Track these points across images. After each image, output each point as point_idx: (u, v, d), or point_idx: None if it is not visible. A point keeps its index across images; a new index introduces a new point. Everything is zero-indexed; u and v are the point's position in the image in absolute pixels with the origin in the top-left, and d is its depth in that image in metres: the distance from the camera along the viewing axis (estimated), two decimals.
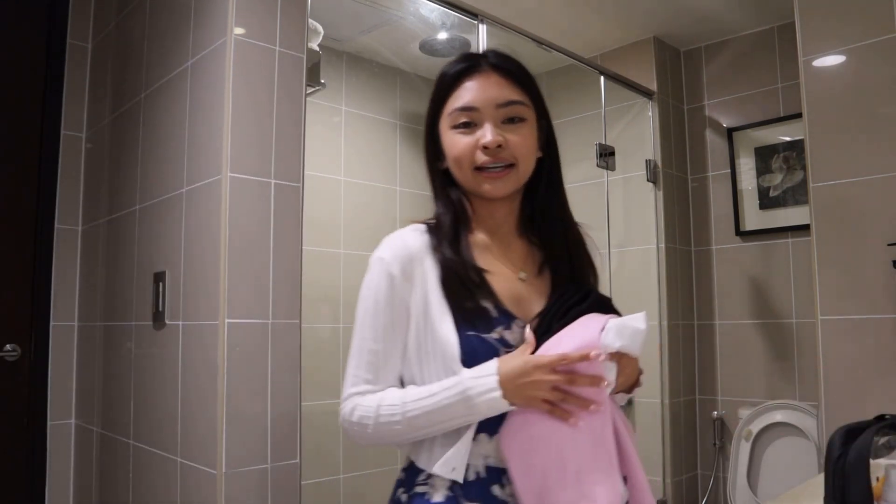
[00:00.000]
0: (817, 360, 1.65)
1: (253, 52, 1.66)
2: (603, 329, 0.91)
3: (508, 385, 0.91)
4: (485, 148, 1.00)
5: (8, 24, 2.25)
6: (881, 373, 1.56)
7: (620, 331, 0.90)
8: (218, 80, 1.65)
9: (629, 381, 1.01)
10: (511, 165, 1.01)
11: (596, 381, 0.91)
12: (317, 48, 2.13)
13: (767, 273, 2.79)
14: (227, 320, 1.55)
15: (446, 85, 1.05)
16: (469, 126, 1.01)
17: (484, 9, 2.20)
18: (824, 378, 1.63)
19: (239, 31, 1.64)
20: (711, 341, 2.94)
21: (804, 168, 2.52)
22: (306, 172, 1.74)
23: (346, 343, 1.05)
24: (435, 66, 2.26)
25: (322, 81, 2.21)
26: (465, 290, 0.99)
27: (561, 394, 0.91)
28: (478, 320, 0.97)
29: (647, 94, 2.93)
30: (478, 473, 0.96)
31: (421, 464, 0.99)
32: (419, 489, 0.98)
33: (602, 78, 2.82)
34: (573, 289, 1.02)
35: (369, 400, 0.99)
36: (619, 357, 0.93)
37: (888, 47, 1.59)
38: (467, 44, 2.71)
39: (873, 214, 1.60)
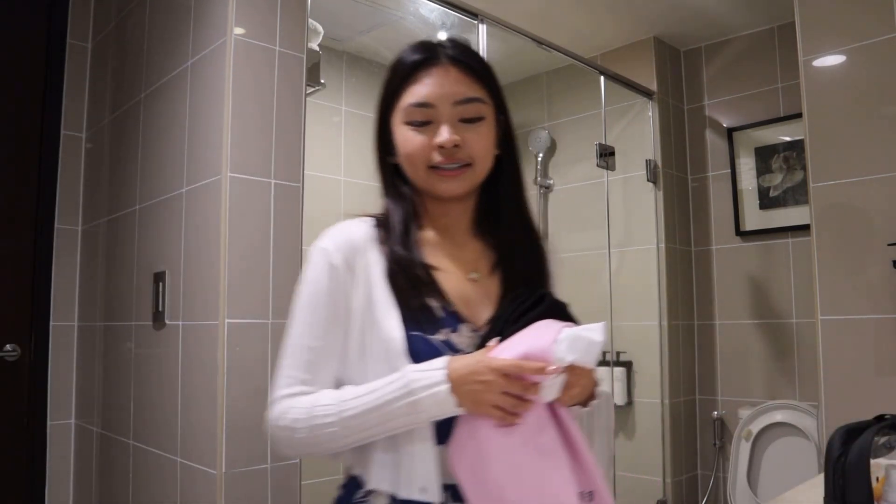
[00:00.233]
0: (817, 360, 1.65)
1: (253, 52, 1.66)
2: (557, 338, 0.84)
3: (457, 382, 0.83)
4: (440, 147, 0.93)
5: (8, 24, 2.25)
6: (881, 373, 1.56)
7: (573, 343, 0.83)
8: (218, 80, 1.65)
9: (584, 394, 0.91)
10: (467, 165, 0.95)
11: (534, 388, 0.83)
12: (317, 48, 2.13)
13: (767, 273, 2.79)
14: (227, 320, 1.55)
15: (401, 76, 0.97)
16: (424, 124, 0.95)
17: (484, 9, 2.20)
18: (824, 378, 1.63)
19: (239, 30, 1.64)
20: (711, 341, 2.94)
21: (804, 168, 2.52)
22: (306, 172, 1.74)
23: None
24: None
25: (322, 81, 2.21)
26: (411, 287, 0.92)
27: (514, 400, 0.83)
28: (423, 320, 0.90)
29: (647, 94, 2.93)
30: None
31: (363, 478, 0.90)
32: None
33: (602, 78, 2.82)
34: (526, 293, 0.95)
35: (302, 401, 0.90)
36: (570, 369, 0.84)
37: (888, 47, 1.59)
38: (467, 44, 2.70)
39: (873, 214, 1.60)
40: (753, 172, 2.83)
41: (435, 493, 0.85)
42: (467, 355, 0.87)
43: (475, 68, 0.98)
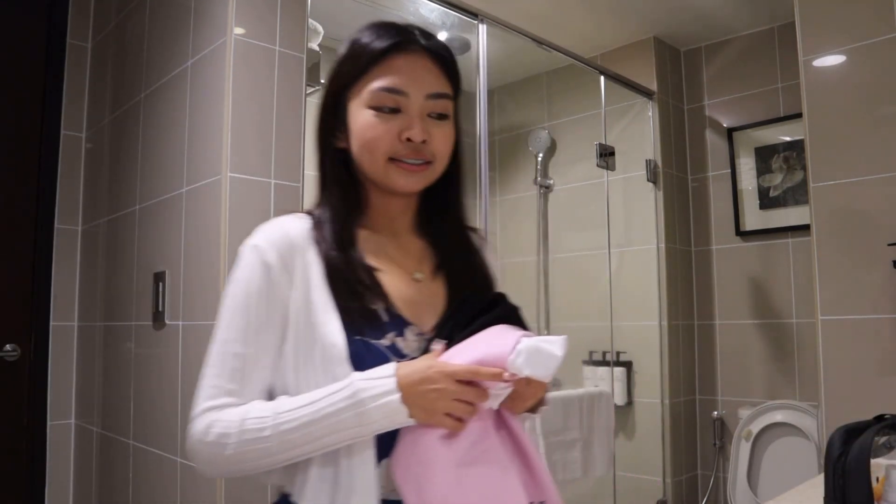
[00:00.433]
0: (817, 360, 1.65)
1: (253, 52, 1.66)
2: (514, 348, 0.78)
3: (408, 391, 0.77)
4: (408, 140, 0.87)
5: (8, 25, 2.25)
6: (881, 373, 1.56)
7: (532, 356, 0.77)
8: (218, 80, 1.65)
9: (535, 401, 0.88)
10: (428, 162, 0.90)
11: (483, 395, 0.80)
12: (317, 48, 2.13)
13: (767, 273, 2.79)
14: None
15: (370, 55, 0.88)
16: (392, 111, 0.87)
17: (484, 9, 2.20)
18: (824, 378, 1.63)
19: (239, 31, 1.64)
20: (711, 341, 2.94)
21: (804, 168, 2.52)
22: (306, 172, 1.74)
23: None
24: None
25: (322, 81, 2.21)
26: (352, 289, 0.85)
27: (466, 407, 0.79)
28: (366, 324, 0.84)
29: (647, 94, 2.93)
30: None
31: (294, 497, 0.83)
32: None
33: (602, 78, 2.82)
34: (476, 295, 0.91)
35: (230, 414, 0.81)
36: (526, 381, 0.80)
37: (888, 47, 1.59)
38: (467, 44, 2.70)
39: (873, 214, 1.60)
40: (753, 172, 2.83)
41: None
42: (415, 361, 0.81)
43: (448, 62, 0.92)
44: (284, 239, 0.87)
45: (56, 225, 2.28)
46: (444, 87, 0.91)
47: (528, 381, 0.80)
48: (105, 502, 2.07)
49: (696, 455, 2.94)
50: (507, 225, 3.40)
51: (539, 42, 2.46)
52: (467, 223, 1.01)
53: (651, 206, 2.91)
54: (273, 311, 0.85)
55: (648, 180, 2.90)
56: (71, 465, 2.26)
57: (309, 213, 0.93)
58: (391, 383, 0.78)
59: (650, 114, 2.94)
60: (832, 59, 1.69)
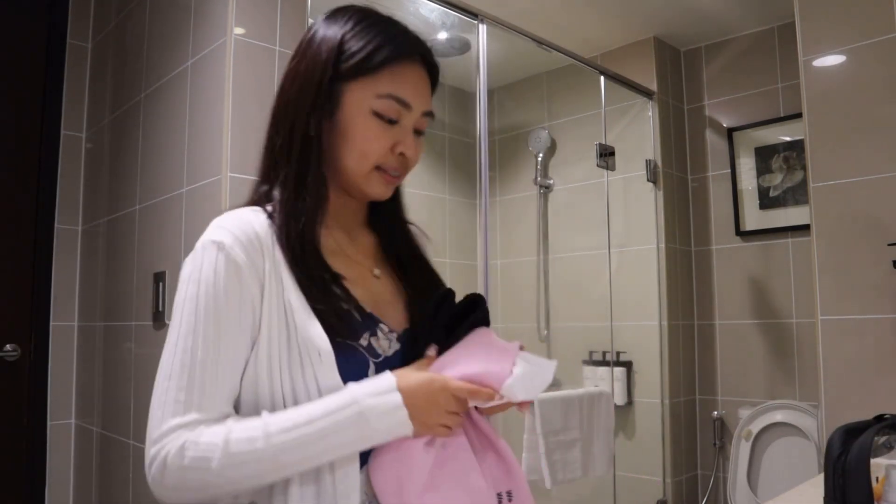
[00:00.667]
0: (817, 360, 1.65)
1: (253, 52, 1.66)
2: (511, 371, 0.80)
3: (413, 407, 0.76)
4: (400, 154, 0.87)
5: (8, 25, 2.25)
6: (881, 373, 1.56)
7: (527, 383, 0.80)
8: (218, 80, 1.65)
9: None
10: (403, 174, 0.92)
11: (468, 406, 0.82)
12: None
13: (767, 273, 2.79)
14: None
15: (385, 55, 0.84)
16: (392, 122, 0.86)
17: (484, 9, 2.20)
18: (824, 378, 1.63)
19: (239, 31, 1.64)
20: (711, 341, 2.94)
21: (804, 168, 2.53)
22: None
23: None
24: None
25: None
26: (325, 290, 0.82)
27: (458, 418, 0.80)
28: (343, 326, 0.81)
29: (647, 94, 2.93)
30: None
31: None
32: None
33: (602, 78, 2.82)
34: (450, 294, 0.89)
35: (207, 435, 0.74)
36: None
37: (888, 47, 1.60)
38: (467, 44, 2.71)
39: (873, 214, 1.60)
40: (753, 172, 2.83)
41: None
42: (412, 372, 0.79)
43: (435, 81, 0.92)
44: (251, 234, 0.81)
45: (56, 225, 2.28)
46: (431, 104, 0.91)
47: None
48: (105, 502, 2.07)
49: (696, 455, 2.94)
50: (506, 225, 3.40)
51: (539, 42, 2.46)
52: (406, 218, 1.02)
53: (651, 206, 2.91)
54: (244, 315, 0.78)
55: (648, 180, 2.90)
56: (71, 465, 2.26)
57: (256, 202, 0.89)
58: (397, 399, 0.76)
59: (650, 114, 2.94)
60: (832, 59, 1.69)
